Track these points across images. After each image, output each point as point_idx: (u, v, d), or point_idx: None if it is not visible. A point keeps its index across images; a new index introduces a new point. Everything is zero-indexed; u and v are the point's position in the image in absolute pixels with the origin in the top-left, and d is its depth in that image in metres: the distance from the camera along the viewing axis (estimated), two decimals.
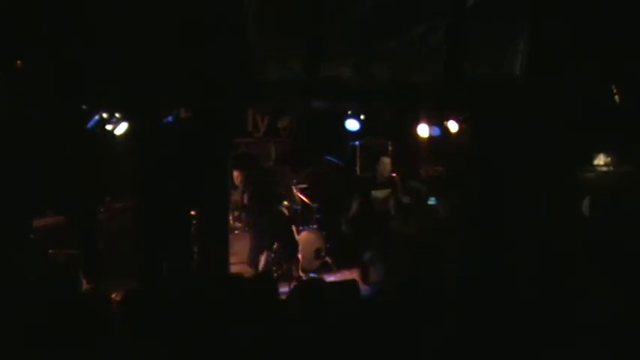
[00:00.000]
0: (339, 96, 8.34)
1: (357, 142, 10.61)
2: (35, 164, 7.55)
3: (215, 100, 7.88)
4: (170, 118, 7.98)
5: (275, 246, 9.23)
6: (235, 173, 9.40)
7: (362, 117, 9.12)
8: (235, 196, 9.43)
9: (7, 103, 7.08)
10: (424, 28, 8.06)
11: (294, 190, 9.93)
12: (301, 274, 9.35)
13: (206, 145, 8.07)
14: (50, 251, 7.87)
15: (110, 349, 4.23)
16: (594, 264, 7.71)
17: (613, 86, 8.23)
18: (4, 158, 7.20)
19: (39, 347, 4.20)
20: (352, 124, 9.18)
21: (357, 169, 10.70)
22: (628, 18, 7.92)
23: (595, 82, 8.17)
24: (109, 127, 7.98)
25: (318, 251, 9.98)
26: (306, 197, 10.18)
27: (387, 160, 9.89)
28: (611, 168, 8.74)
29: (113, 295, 5.53)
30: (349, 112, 9.10)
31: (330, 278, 8.79)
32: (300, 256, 9.46)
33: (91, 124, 7.93)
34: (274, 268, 9.14)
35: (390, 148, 10.47)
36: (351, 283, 5.71)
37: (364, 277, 8.75)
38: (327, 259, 10.06)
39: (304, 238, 9.84)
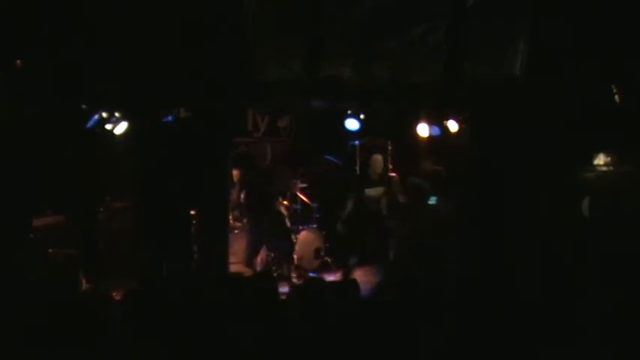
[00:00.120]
0: (339, 96, 8.35)
1: (356, 142, 10.61)
2: (35, 164, 7.55)
3: (215, 100, 7.88)
4: (170, 118, 7.99)
5: (271, 246, 9.23)
6: (235, 172, 9.44)
7: (362, 117, 9.12)
8: (233, 195, 9.45)
9: (7, 103, 7.09)
10: (424, 28, 8.06)
11: (294, 190, 9.93)
12: (293, 275, 9.25)
13: (206, 145, 8.07)
14: (50, 251, 7.87)
15: (110, 349, 4.23)
16: (594, 264, 7.71)
17: (613, 86, 8.22)
18: (4, 158, 7.20)
19: (39, 347, 4.20)
20: (352, 124, 9.19)
21: (357, 168, 10.71)
22: (628, 18, 7.92)
23: (595, 82, 8.16)
24: (108, 126, 7.99)
25: (317, 251, 9.98)
26: (306, 197, 10.19)
27: (378, 158, 9.82)
28: (611, 168, 8.74)
29: (113, 295, 5.53)
30: (349, 112, 9.11)
31: (330, 278, 8.79)
32: (295, 257, 9.43)
33: (90, 123, 7.93)
34: (274, 268, 9.14)
35: (389, 147, 10.47)
36: (351, 283, 5.70)
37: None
38: (327, 258, 10.06)
39: (304, 237, 9.84)
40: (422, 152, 9.94)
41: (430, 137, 9.20)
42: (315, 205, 10.24)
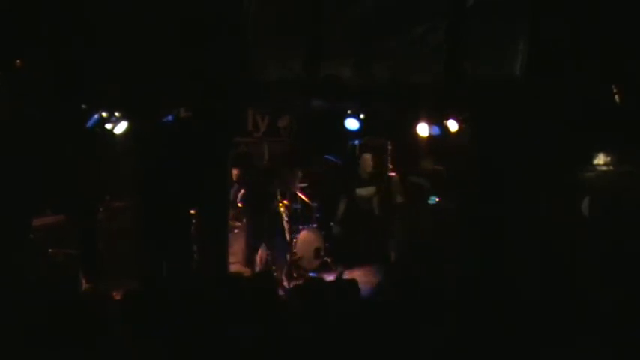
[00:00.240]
0: (339, 96, 8.35)
1: (356, 142, 10.60)
2: (35, 164, 7.55)
3: (215, 100, 7.88)
4: (170, 118, 7.99)
5: (270, 245, 9.22)
6: (234, 171, 9.45)
7: (362, 117, 9.12)
8: (232, 195, 9.46)
9: (7, 103, 7.09)
10: (424, 28, 8.06)
11: (294, 190, 9.93)
12: (283, 278, 9.17)
13: (206, 145, 8.08)
14: (50, 251, 7.87)
15: (110, 349, 4.24)
16: (594, 264, 7.71)
17: (613, 86, 8.22)
18: (4, 158, 7.20)
19: (39, 347, 4.20)
20: (352, 124, 9.18)
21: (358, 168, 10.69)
22: (628, 18, 7.91)
23: (595, 82, 8.16)
24: (108, 126, 7.99)
25: (317, 250, 9.98)
26: (306, 197, 10.18)
27: (367, 157, 9.66)
28: (611, 168, 8.73)
29: (113, 295, 5.53)
30: (349, 112, 9.11)
31: (330, 278, 8.79)
32: (287, 257, 9.40)
33: (90, 123, 7.94)
34: (273, 268, 9.14)
35: (389, 147, 10.46)
36: (350, 283, 5.70)
37: None
38: (327, 258, 10.06)
39: (304, 237, 9.84)
40: (422, 152, 9.94)
41: (430, 137, 9.20)
42: (315, 205, 10.24)
